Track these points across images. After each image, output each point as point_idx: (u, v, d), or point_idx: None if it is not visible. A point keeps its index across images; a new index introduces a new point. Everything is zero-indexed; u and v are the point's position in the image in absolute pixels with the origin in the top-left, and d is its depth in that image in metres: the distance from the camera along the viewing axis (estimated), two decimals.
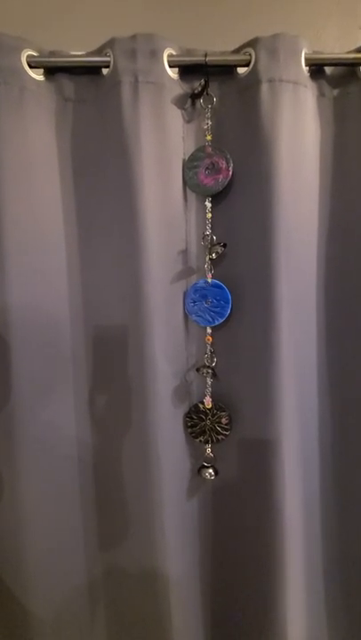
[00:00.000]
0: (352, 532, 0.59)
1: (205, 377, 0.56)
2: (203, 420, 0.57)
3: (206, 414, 0.56)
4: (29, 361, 0.52)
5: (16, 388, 0.52)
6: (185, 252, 0.55)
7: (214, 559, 0.61)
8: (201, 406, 0.57)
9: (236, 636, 0.60)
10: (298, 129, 0.51)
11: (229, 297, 0.54)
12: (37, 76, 0.51)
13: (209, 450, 0.58)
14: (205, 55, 0.50)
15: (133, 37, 0.49)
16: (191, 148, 0.53)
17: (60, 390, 0.56)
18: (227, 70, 0.52)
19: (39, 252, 0.52)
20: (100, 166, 0.53)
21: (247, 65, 0.50)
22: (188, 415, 0.57)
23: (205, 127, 0.52)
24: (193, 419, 0.57)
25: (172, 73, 0.51)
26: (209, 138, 0.52)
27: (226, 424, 0.56)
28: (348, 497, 0.58)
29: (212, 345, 0.56)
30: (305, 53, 0.50)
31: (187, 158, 0.53)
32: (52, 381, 0.55)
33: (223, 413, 0.56)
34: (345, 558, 0.60)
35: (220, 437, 0.57)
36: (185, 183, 0.53)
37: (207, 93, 0.51)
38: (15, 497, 0.54)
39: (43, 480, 0.55)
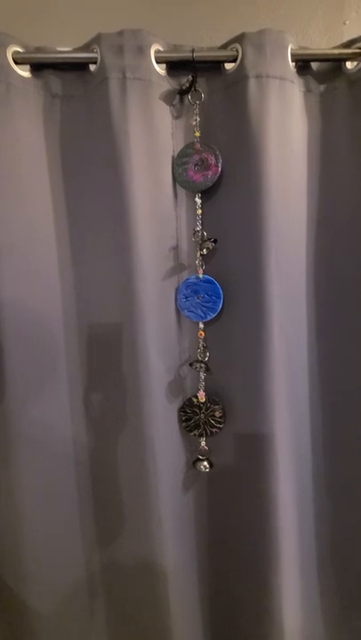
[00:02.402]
0: (344, 519, 0.60)
1: (198, 371, 0.57)
2: (197, 414, 0.57)
3: (200, 408, 0.57)
4: (23, 359, 0.52)
5: (9, 386, 0.52)
6: (176, 249, 0.55)
7: (211, 549, 0.62)
8: (195, 400, 0.57)
9: (234, 623, 0.62)
10: (285, 124, 0.51)
11: (221, 292, 0.54)
12: (24, 72, 0.50)
13: (203, 443, 0.59)
14: (193, 51, 0.50)
15: (120, 33, 0.49)
16: (180, 145, 0.53)
17: (54, 388, 0.56)
18: (214, 66, 0.52)
19: (30, 250, 0.52)
20: (89, 163, 0.53)
21: (234, 61, 0.50)
22: (182, 409, 0.58)
23: (194, 123, 0.53)
24: (187, 413, 0.58)
25: (160, 69, 0.51)
26: (198, 134, 0.53)
27: (219, 417, 0.57)
28: (340, 485, 0.60)
29: (204, 340, 0.56)
30: (291, 49, 0.50)
31: (176, 155, 0.53)
32: (45, 379, 0.55)
33: (217, 407, 0.57)
34: (337, 544, 0.61)
35: (214, 430, 0.57)
36: (175, 179, 0.54)
37: (195, 89, 0.51)
38: (12, 492, 0.54)
39: (40, 477, 0.55)
